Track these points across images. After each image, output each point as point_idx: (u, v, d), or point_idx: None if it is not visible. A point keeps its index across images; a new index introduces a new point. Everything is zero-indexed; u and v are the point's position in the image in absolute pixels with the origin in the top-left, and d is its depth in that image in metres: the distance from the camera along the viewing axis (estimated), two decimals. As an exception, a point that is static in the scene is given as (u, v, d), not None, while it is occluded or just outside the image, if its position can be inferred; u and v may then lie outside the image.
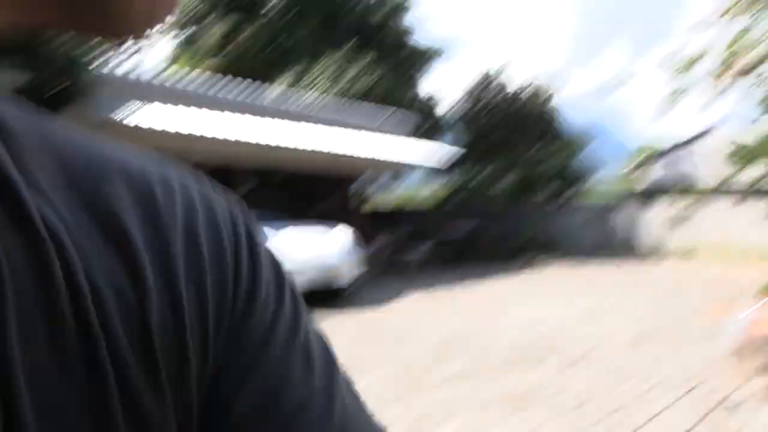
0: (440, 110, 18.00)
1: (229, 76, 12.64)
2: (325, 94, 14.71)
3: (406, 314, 7.86)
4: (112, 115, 7.73)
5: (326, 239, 8.42)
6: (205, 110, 9.33)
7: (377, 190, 18.67)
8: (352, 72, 15.68)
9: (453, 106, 20.14)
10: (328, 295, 8.07)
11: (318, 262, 7.82)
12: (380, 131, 12.64)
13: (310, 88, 14.81)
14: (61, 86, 7.02)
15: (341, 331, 6.53)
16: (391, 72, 15.50)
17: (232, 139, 8.58)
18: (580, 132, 20.46)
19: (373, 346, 6.01)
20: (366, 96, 14.89)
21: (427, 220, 17.50)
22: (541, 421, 3.80)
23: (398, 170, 14.28)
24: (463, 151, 17.46)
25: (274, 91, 11.46)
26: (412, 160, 12.68)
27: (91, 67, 7.55)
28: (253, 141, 8.83)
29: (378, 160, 13.01)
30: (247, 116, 9.97)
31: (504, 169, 18.25)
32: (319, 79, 15.45)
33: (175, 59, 17.89)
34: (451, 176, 20.40)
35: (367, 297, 9.12)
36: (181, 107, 9.02)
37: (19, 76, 5.93)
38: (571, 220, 16.81)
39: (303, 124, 10.74)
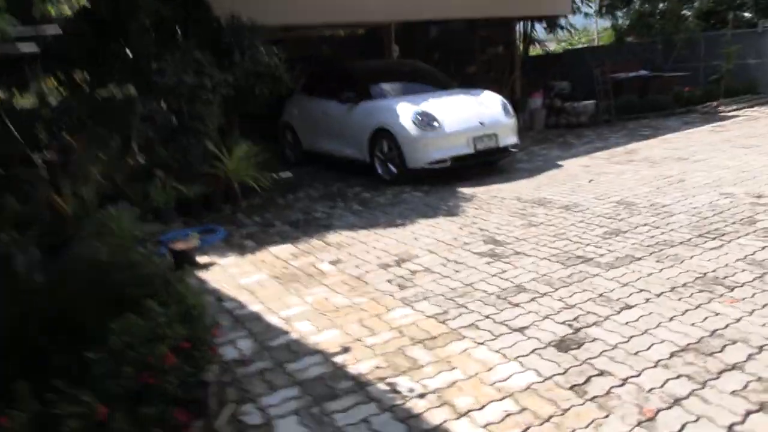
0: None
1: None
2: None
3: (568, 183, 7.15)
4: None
5: (479, 101, 7.85)
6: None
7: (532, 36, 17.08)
8: None
9: None
10: (491, 156, 7.61)
11: (475, 123, 7.32)
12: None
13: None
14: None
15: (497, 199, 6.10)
16: None
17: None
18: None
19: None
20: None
21: (592, 66, 15.71)
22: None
23: (558, 10, 12.66)
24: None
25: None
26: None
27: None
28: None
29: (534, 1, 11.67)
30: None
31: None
32: None
33: None
34: (627, 8, 18.03)
35: (529, 163, 8.47)
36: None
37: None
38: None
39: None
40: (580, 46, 25.96)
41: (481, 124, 7.36)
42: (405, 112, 7.27)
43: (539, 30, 16.76)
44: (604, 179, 6.83)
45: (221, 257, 5.21)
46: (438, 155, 7.16)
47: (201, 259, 5.15)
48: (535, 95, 12.32)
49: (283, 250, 5.24)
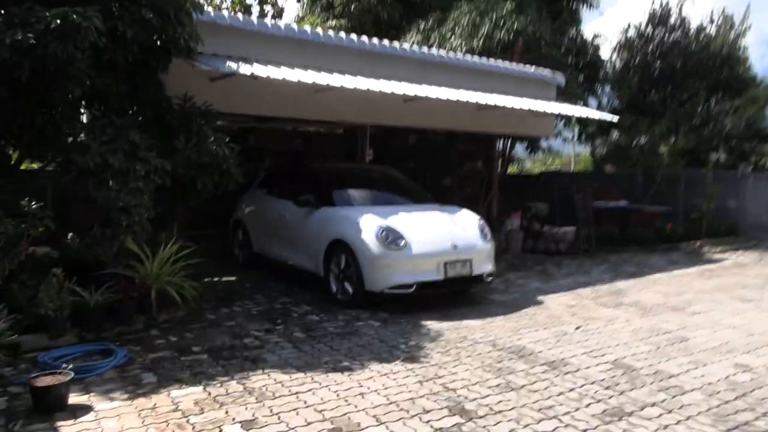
0: (596, 60, 15.33)
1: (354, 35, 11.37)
2: (460, 48, 12.96)
3: (554, 325, 6.15)
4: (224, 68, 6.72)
5: (454, 221, 6.97)
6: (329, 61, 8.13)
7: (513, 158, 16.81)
8: (489, 22, 13.69)
9: (613, 52, 17.87)
10: (462, 284, 6.60)
11: (448, 246, 6.38)
12: (522, 93, 10.70)
13: (442, 44, 13.11)
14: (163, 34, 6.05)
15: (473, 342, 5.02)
16: (536, 19, 13.31)
17: (360, 88, 7.30)
18: (768, 83, 17.05)
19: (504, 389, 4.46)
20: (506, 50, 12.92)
21: (572, 193, 15.30)
22: None
23: (542, 133, 12.26)
24: (619, 108, 15.14)
25: (404, 45, 9.98)
26: (558, 121, 10.74)
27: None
28: (385, 91, 7.47)
29: (518, 122, 11.23)
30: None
31: (673, 128, 15.46)
32: (452, 31, 13.67)
33: (301, 18, 17.08)
34: (606, 138, 18.08)
35: (505, 294, 7.50)
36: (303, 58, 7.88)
37: (101, 22, 4.94)
38: (757, 193, 13.75)
39: (433, 87, 9.17)
40: (554, 168, 26.12)
41: (454, 247, 6.41)
42: (368, 225, 6.30)
43: (518, 148, 16.48)
44: (593, 327, 5.82)
45: (103, 398, 3.92)
46: (402, 279, 6.12)
47: (75, 398, 3.87)
48: (513, 216, 11.61)
49: (188, 396, 3.98)
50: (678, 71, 19.05)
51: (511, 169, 18.29)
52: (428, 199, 7.75)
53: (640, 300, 7.10)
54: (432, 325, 5.79)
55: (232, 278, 7.96)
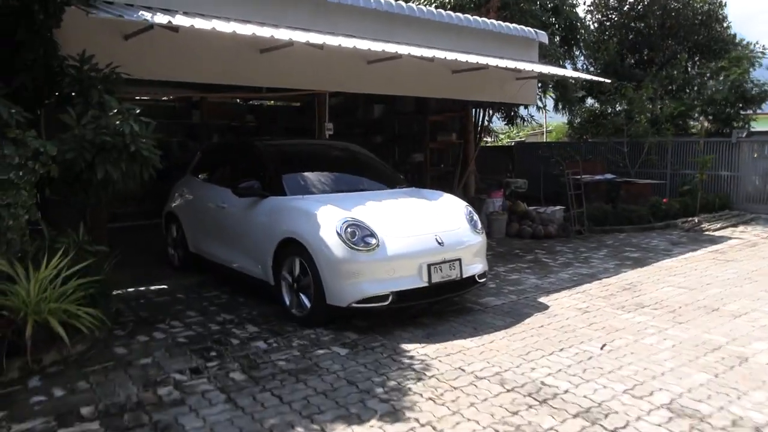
0: (573, 21, 14.02)
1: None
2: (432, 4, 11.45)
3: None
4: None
5: (437, 210, 5.58)
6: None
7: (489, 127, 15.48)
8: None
9: (588, 12, 16.61)
10: (451, 291, 5.23)
11: (431, 242, 5.00)
12: (502, 54, 9.32)
13: None
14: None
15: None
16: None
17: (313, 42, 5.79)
18: (753, 50, 16.00)
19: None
20: (481, 7, 11.47)
21: (555, 166, 14.10)
22: None
23: (525, 100, 10.91)
24: (596, 73, 13.94)
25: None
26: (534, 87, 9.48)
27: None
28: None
29: (499, 87, 9.87)
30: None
31: (660, 92, 14.31)
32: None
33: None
34: (580, 106, 16.93)
35: (500, 297, 6.18)
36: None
37: None
38: (752, 161, 12.74)
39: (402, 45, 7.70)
40: (519, 139, 24.95)
41: (440, 244, 5.02)
42: (328, 219, 4.85)
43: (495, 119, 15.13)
44: (622, 345, 4.54)
45: None
46: (374, 289, 4.70)
47: None
48: (495, 194, 10.30)
49: None
50: (656, 32, 17.95)
51: (483, 143, 17.00)
52: (402, 183, 6.31)
53: (661, 298, 5.87)
54: (415, 350, 4.42)
55: (163, 286, 6.44)
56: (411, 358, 4.27)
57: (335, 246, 4.68)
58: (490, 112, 12.86)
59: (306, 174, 5.80)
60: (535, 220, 9.90)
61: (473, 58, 7.88)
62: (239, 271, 5.87)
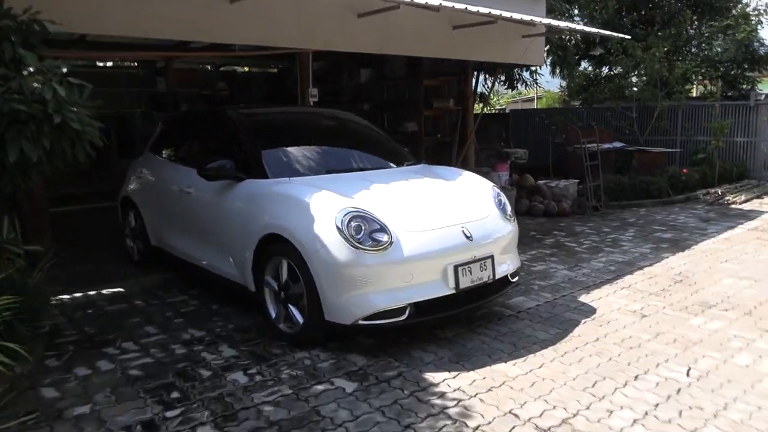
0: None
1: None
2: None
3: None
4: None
5: (458, 192, 4.46)
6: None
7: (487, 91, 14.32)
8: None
9: None
10: (483, 297, 4.13)
11: (458, 236, 3.90)
12: (506, 7, 8.14)
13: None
14: None
15: None
16: None
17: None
18: (757, 7, 14.97)
19: None
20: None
21: (556, 135, 13.06)
22: None
23: (532, 60, 9.75)
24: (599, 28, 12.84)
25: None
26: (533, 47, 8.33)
27: None
28: None
29: (504, 45, 8.71)
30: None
31: (666, 52, 13.19)
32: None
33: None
34: (573, 70, 15.83)
35: (531, 295, 5.11)
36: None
37: None
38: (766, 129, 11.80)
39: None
40: (501, 107, 23.81)
41: (468, 238, 3.91)
42: (324, 209, 3.71)
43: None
44: (709, 367, 3.51)
45: None
46: (386, 300, 3.59)
47: None
48: (500, 168, 9.21)
49: None
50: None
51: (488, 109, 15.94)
52: (410, 159, 5.16)
53: (726, 293, 4.87)
54: (445, 381, 3.35)
55: (118, 289, 5.26)
56: (442, 396, 3.20)
57: (335, 245, 3.55)
58: (491, 75, 11.70)
59: (292, 150, 4.62)
60: (546, 195, 8.86)
61: (483, 9, 6.70)
62: (211, 271, 4.72)
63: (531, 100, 27.32)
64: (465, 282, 3.82)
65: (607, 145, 11.05)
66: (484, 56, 9.10)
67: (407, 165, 4.95)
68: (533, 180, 9.26)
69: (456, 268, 3.77)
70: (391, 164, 4.88)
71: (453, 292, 3.77)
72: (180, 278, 5.48)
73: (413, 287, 3.65)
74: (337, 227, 3.57)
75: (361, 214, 3.67)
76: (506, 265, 4.22)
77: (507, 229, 4.29)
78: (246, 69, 14.11)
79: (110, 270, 5.86)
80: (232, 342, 4.00)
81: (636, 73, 12.79)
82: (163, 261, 5.57)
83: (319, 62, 10.71)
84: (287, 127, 5.06)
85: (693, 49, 14.79)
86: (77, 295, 5.11)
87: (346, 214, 3.62)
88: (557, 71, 16.32)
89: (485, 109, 14.06)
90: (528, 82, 13.96)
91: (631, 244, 6.67)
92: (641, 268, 5.69)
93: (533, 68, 13.09)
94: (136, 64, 12.13)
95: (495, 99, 24.68)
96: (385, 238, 3.61)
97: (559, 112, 15.21)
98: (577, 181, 9.12)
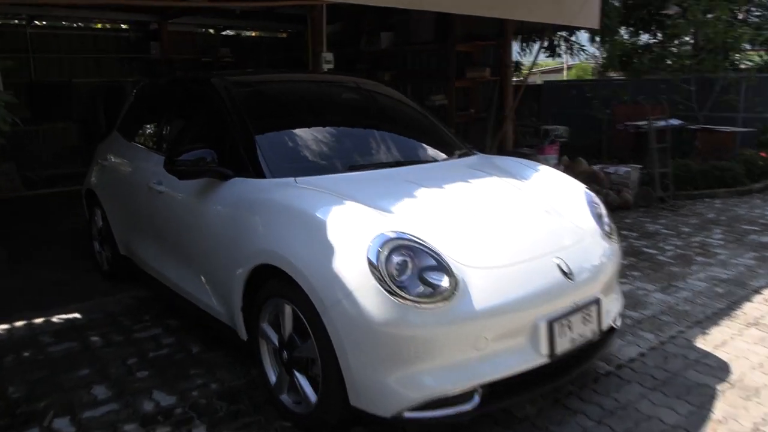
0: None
1: None
2: None
3: None
4: None
5: (540, 197, 3.11)
6: None
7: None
8: None
9: None
10: (584, 362, 2.79)
11: (550, 270, 2.56)
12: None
13: None
14: None
15: None
16: None
17: None
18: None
19: None
20: None
21: (598, 110, 11.57)
22: None
23: (586, 21, 8.26)
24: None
25: None
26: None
27: None
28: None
29: (553, 3, 7.26)
30: None
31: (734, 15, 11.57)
32: None
33: None
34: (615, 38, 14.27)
35: (626, 338, 3.76)
36: None
37: None
38: None
39: None
40: (518, 79, 22.11)
41: (566, 274, 2.57)
42: (349, 231, 2.37)
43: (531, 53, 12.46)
44: None
45: None
46: (446, 382, 2.25)
47: None
48: (548, 149, 7.81)
49: None
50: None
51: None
52: (462, 148, 3.77)
53: None
54: None
55: (74, 315, 4.01)
56: None
57: (366, 293, 2.23)
58: (532, 42, 10.21)
59: (300, 135, 3.27)
60: (603, 183, 7.46)
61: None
62: (188, 299, 3.44)
63: (557, 70, 25.64)
64: (563, 344, 2.50)
65: (662, 123, 9.58)
66: (530, 15, 7.62)
67: (458, 156, 3.59)
68: (587, 164, 7.86)
69: (551, 324, 2.45)
70: (438, 155, 3.52)
71: (546, 360, 2.45)
72: (156, 298, 4.22)
73: (487, 359, 2.33)
74: (371, 264, 2.25)
75: (408, 241, 2.33)
76: (612, 307, 2.89)
77: (610, 252, 2.94)
78: (252, 34, 12.70)
79: (72, 283, 4.64)
80: (215, 418, 2.74)
81: (693, 39, 11.21)
82: (136, 273, 4.30)
83: (334, 25, 9.32)
84: (294, 103, 3.66)
85: (756, 13, 13.13)
86: (18, 324, 3.87)
87: (384, 243, 2.29)
88: (596, 38, 14.74)
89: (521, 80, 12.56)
90: (574, 49, 12.39)
91: (726, 252, 5.30)
92: (758, 291, 4.34)
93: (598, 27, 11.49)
94: (125, 26, 10.74)
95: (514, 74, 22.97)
96: (445, 281, 2.28)
97: (601, 84, 13.66)
98: (639, 166, 7.71)
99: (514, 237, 2.65)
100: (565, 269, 2.57)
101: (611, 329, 2.93)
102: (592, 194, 3.25)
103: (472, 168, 3.31)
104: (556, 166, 7.64)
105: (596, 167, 7.73)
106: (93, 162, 4.76)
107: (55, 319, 3.95)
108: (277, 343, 2.69)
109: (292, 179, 2.85)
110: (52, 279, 4.74)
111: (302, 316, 2.47)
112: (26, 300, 4.25)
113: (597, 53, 17.09)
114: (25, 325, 3.86)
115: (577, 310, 2.56)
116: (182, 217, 3.35)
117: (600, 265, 2.79)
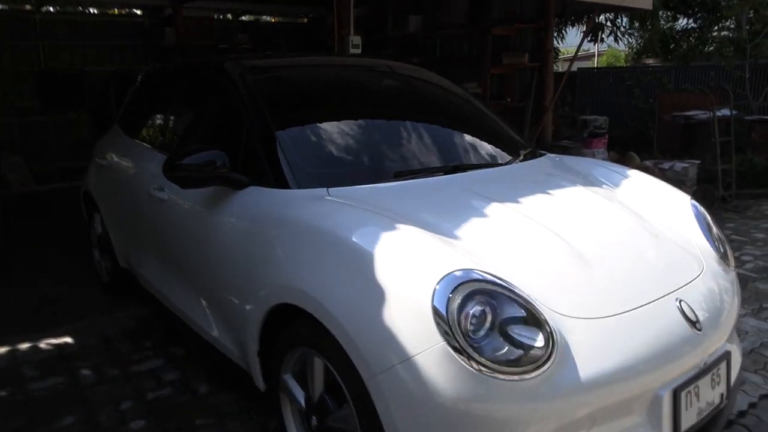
0: None
1: None
2: None
3: None
4: None
5: (639, 217, 2.42)
6: None
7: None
8: None
9: None
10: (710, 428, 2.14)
11: (672, 319, 1.90)
12: None
13: None
14: None
15: None
16: None
17: None
18: None
19: None
20: None
21: (639, 99, 10.82)
22: None
23: (638, 2, 7.48)
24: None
25: None
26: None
27: None
28: None
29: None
30: None
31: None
32: None
33: None
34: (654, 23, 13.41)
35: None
36: None
37: None
38: None
39: None
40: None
41: (691, 322, 1.91)
42: (405, 269, 1.74)
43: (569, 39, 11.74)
44: None
45: None
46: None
47: None
48: (595, 143, 7.11)
49: None
50: None
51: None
52: (525, 146, 3.09)
53: None
54: None
55: (65, 340, 3.45)
56: None
57: (432, 357, 1.59)
58: (569, 27, 9.45)
59: (333, 132, 2.65)
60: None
61: None
62: (193, 329, 2.84)
63: (587, 57, 24.67)
64: (689, 419, 1.85)
65: (724, 113, 8.80)
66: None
67: (524, 157, 2.92)
68: (638, 159, 7.13)
69: (676, 393, 1.80)
70: (501, 157, 2.85)
71: (669, 442, 1.81)
72: (160, 317, 3.64)
73: (590, 443, 1.70)
74: (438, 315, 1.62)
75: (487, 284, 1.69)
76: (738, 356, 2.24)
77: (732, 284, 2.28)
78: (272, 19, 12.07)
79: (68, 297, 4.08)
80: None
81: (750, 23, 10.35)
82: (137, 288, 3.72)
83: (358, 9, 8.67)
84: (325, 91, 3.01)
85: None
86: (0, 351, 3.32)
87: (457, 287, 1.65)
88: (635, 24, 13.91)
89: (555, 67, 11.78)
90: (619, 34, 11.58)
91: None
92: None
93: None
94: (138, 12, 10.18)
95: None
96: (539, 340, 1.64)
97: (639, 71, 12.83)
98: (697, 161, 6.97)
99: (622, 272, 1.99)
100: (690, 315, 1.91)
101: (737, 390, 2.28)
102: (699, 206, 2.58)
103: (549, 174, 2.65)
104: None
105: (649, 163, 7.00)
106: (91, 160, 4.18)
107: (43, 344, 3.39)
108: (303, 404, 2.08)
109: (324, 190, 2.22)
110: (48, 292, 4.19)
111: (338, 376, 1.85)
112: (15, 319, 3.71)
113: (632, 39, 16.24)
114: (8, 352, 3.31)
115: (706, 370, 1.91)
116: (186, 233, 2.75)
117: (726, 303, 2.12)
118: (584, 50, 24.87)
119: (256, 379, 2.33)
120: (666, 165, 6.90)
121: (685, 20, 13.95)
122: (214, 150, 2.40)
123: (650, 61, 15.80)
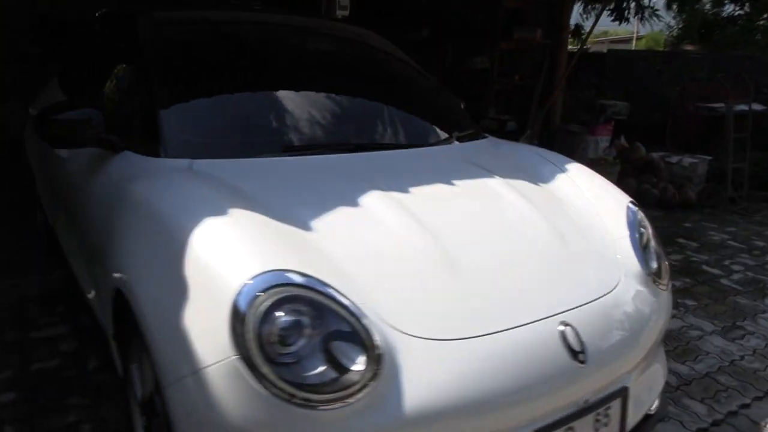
0: None
1: None
2: None
3: None
4: None
5: (553, 219, 2.10)
6: None
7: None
8: None
9: None
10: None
11: (550, 350, 1.60)
12: None
13: None
14: None
15: None
16: None
17: None
18: None
19: None
20: None
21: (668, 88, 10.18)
22: None
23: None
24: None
25: None
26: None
27: None
28: None
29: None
30: None
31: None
32: None
33: None
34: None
35: None
36: None
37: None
38: None
39: None
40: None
41: (574, 353, 1.57)
42: (218, 261, 1.47)
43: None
44: None
45: None
46: None
47: None
48: (600, 129, 6.65)
49: None
50: None
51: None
52: (467, 127, 2.74)
53: None
54: None
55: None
56: None
57: (225, 373, 1.33)
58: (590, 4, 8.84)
59: (227, 99, 2.35)
60: (663, 175, 6.28)
61: None
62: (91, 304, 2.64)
63: (626, 40, 23.63)
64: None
65: (742, 107, 8.19)
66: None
67: (456, 139, 2.59)
68: (644, 151, 6.65)
69: (537, 436, 1.52)
70: (427, 137, 2.54)
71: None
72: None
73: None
74: (238, 322, 1.35)
75: (308, 291, 1.41)
76: (647, 392, 1.92)
77: (655, 307, 1.94)
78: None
79: (15, 259, 3.92)
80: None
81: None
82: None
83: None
84: (236, 53, 2.68)
85: None
86: None
87: (269, 288, 1.38)
88: (673, 6, 13.13)
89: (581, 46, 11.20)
90: (646, 14, 10.87)
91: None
92: None
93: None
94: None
95: (573, 40, 21.11)
96: (359, 362, 1.37)
97: (673, 57, 12.11)
98: (708, 157, 6.47)
99: (503, 285, 1.69)
100: (574, 343, 1.60)
101: (646, 417, 1.97)
102: (638, 211, 2.23)
103: (468, 161, 2.31)
104: (608, 149, 6.50)
105: (655, 155, 6.52)
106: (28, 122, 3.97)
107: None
108: (139, 397, 1.86)
109: (188, 161, 1.95)
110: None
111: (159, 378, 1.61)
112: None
113: (672, 23, 15.41)
114: None
115: (587, 410, 1.61)
116: (77, 193, 2.52)
117: (634, 331, 1.80)
118: (630, 32, 23.74)
119: (116, 362, 2.12)
120: (674, 159, 6.43)
121: (732, 6, 13.12)
122: (89, 108, 2.15)
123: (690, 48, 14.96)
